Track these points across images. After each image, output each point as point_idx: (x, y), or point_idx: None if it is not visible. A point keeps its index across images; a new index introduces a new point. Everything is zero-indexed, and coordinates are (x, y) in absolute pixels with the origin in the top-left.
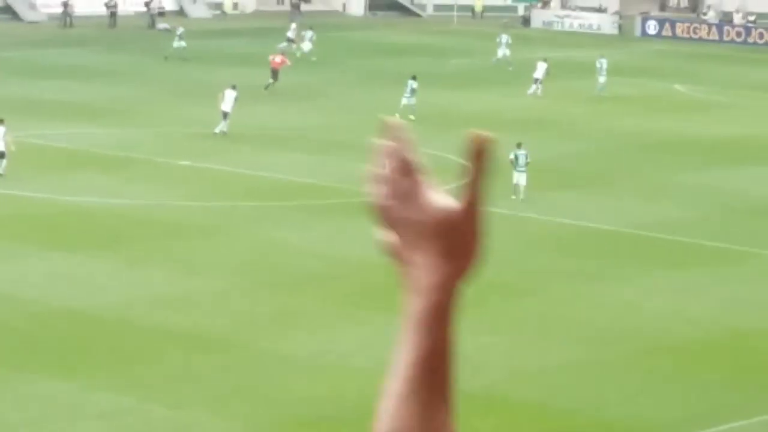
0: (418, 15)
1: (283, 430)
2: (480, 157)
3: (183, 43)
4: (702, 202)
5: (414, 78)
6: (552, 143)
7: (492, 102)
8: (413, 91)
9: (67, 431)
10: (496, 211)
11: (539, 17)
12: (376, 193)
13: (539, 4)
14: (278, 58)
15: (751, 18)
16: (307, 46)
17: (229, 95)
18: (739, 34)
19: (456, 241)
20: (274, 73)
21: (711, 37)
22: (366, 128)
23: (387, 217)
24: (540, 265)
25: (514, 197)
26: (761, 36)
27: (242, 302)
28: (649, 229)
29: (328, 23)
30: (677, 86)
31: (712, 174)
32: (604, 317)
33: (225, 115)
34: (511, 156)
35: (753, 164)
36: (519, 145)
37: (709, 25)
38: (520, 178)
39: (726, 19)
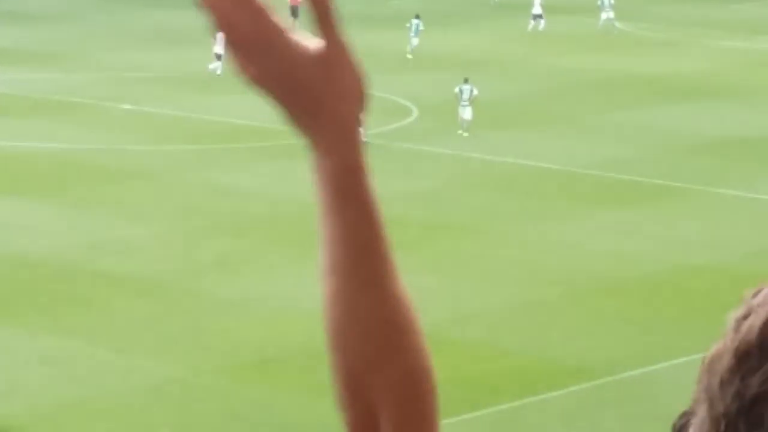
0: None
1: (227, 373)
2: None
3: None
4: (643, 140)
5: (417, 17)
6: (495, 83)
7: (434, 42)
8: (418, 30)
9: (11, 375)
10: (439, 150)
11: None
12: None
13: None
14: None
15: None
16: None
17: (221, 36)
18: None
19: (335, 84)
20: (294, 10)
21: None
22: None
23: (248, 74)
24: (483, 205)
25: (460, 132)
26: None
27: (185, 246)
28: (590, 168)
29: None
30: (619, 24)
31: (653, 111)
32: (547, 257)
33: (218, 56)
34: (456, 90)
35: (694, 101)
36: (465, 80)
37: None
38: (464, 113)
39: None
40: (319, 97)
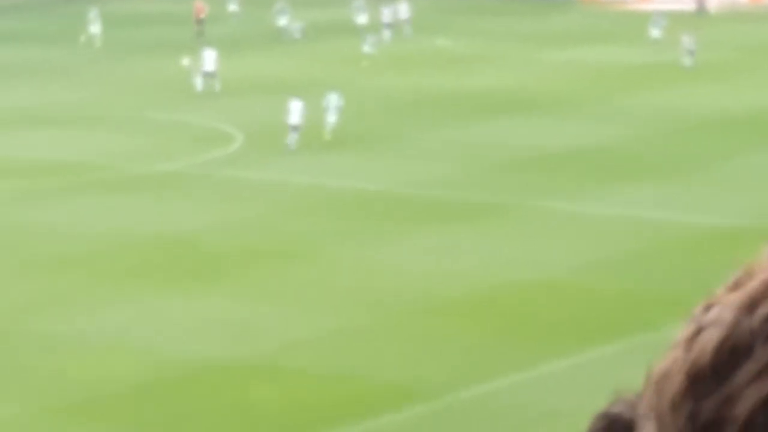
0: None
1: (57, 413)
2: None
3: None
4: (463, 157)
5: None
6: (315, 105)
7: (250, 67)
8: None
9: None
10: (263, 177)
11: None
12: None
13: None
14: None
15: None
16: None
17: (210, 54)
18: None
19: None
20: (199, 23)
21: None
22: (115, 101)
23: None
24: (308, 230)
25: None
26: None
27: (9, 285)
28: (412, 187)
29: None
30: (440, 41)
31: (473, 128)
32: (373, 280)
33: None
34: (325, 103)
35: (513, 115)
36: (332, 90)
37: None
38: (331, 119)
39: None
40: None
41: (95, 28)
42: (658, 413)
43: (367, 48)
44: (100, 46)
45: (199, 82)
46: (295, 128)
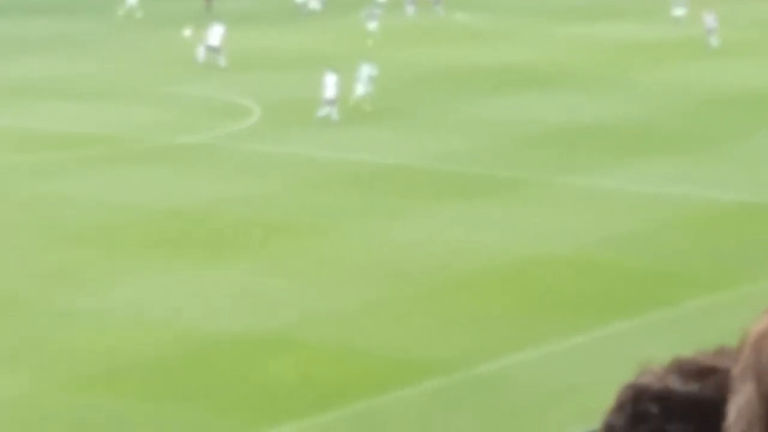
0: None
1: (72, 385)
2: None
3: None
4: (484, 131)
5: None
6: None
7: (270, 41)
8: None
9: None
10: (282, 150)
11: None
12: None
13: None
14: None
15: None
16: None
17: (217, 30)
18: None
19: None
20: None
21: None
22: (137, 74)
23: None
24: (327, 204)
25: (366, 107)
26: None
27: (26, 258)
28: (433, 161)
29: None
30: (458, 15)
31: (492, 102)
32: (393, 254)
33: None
34: (358, 73)
35: (532, 90)
36: (365, 61)
37: None
38: (366, 89)
39: None
40: None
41: (132, 0)
42: (757, 372)
43: (371, 25)
44: (125, 18)
45: (201, 53)
46: (330, 102)
